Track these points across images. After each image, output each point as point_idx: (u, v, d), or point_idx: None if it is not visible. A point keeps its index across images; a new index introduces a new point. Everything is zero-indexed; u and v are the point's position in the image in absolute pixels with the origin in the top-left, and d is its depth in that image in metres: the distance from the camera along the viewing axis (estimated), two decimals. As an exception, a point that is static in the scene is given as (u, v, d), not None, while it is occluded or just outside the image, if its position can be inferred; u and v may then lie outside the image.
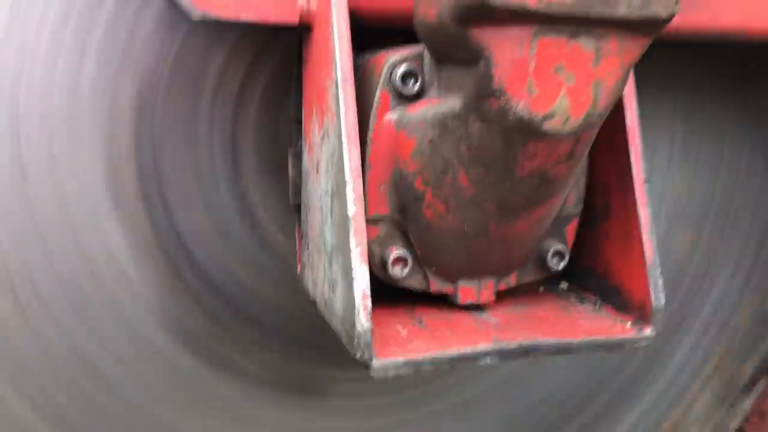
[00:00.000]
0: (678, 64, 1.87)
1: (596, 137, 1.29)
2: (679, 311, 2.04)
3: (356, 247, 1.04)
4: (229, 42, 1.41)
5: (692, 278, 2.06)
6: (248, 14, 1.16)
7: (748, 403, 2.18)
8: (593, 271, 1.36)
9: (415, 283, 1.23)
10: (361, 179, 1.06)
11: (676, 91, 1.90)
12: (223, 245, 1.53)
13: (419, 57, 1.14)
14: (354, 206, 1.05)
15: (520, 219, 1.14)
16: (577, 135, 1.01)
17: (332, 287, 1.14)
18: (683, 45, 1.58)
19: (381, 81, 1.14)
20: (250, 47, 1.42)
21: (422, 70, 1.14)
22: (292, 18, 1.19)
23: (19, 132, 1.32)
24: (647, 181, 1.22)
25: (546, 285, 1.44)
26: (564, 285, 1.43)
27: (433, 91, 1.13)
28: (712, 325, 2.09)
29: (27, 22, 1.30)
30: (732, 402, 2.17)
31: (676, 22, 1.59)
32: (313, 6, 1.19)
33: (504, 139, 1.00)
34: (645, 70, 1.89)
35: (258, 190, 1.54)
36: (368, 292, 1.04)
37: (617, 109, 1.25)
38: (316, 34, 1.19)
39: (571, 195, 1.28)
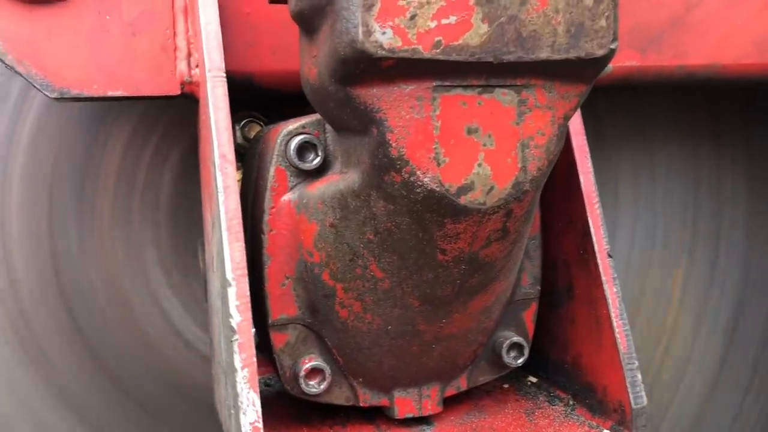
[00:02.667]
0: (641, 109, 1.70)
1: (547, 202, 1.09)
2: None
3: (243, 368, 0.82)
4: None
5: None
6: (118, 89, 0.99)
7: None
8: (562, 364, 1.13)
9: (340, 398, 1.00)
10: (246, 280, 0.85)
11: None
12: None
13: (320, 125, 0.95)
14: (238, 314, 0.84)
15: (454, 313, 0.92)
16: (506, 208, 0.80)
17: (229, 413, 0.92)
18: (648, 89, 1.40)
19: (275, 156, 0.94)
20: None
21: (324, 140, 0.94)
22: (171, 89, 1.01)
23: None
24: (611, 255, 1.00)
25: (512, 380, 1.21)
26: (532, 379, 1.20)
27: (337, 166, 0.93)
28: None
29: None
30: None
31: (637, 63, 1.43)
32: (196, 73, 1.01)
33: (414, 219, 0.80)
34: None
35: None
36: (260, 424, 0.81)
37: (569, 170, 1.05)
38: (202, 106, 1.01)
39: (524, 274, 1.07)
